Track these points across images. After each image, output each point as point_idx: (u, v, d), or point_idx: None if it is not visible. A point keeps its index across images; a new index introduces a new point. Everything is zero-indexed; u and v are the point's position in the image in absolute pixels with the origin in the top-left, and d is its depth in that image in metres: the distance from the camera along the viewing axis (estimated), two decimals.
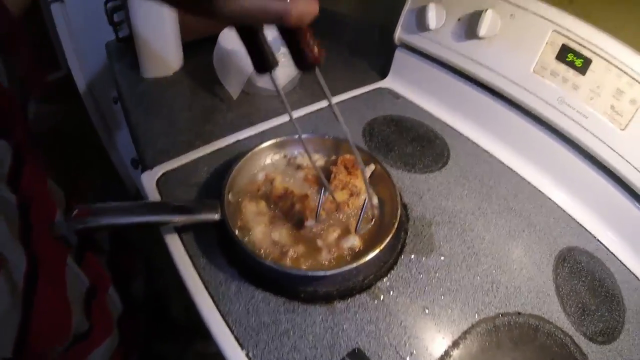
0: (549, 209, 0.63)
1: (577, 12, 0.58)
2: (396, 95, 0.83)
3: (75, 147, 1.34)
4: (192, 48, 0.86)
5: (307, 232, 0.51)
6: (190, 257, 0.50)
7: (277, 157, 0.61)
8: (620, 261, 0.58)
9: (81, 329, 0.44)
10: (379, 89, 0.85)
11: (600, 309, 0.51)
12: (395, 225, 0.49)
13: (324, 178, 0.49)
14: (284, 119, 0.73)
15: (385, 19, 0.85)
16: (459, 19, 0.70)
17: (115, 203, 0.47)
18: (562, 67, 0.59)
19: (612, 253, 0.59)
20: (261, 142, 0.59)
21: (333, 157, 0.61)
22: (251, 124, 0.71)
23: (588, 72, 0.57)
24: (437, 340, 0.45)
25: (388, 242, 0.48)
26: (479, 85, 0.72)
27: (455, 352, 0.44)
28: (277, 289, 0.47)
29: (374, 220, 0.53)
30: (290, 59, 0.36)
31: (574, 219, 0.62)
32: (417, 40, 0.77)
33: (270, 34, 0.38)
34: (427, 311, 0.47)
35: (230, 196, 0.53)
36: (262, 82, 0.77)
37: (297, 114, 0.75)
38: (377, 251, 0.46)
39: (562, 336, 0.47)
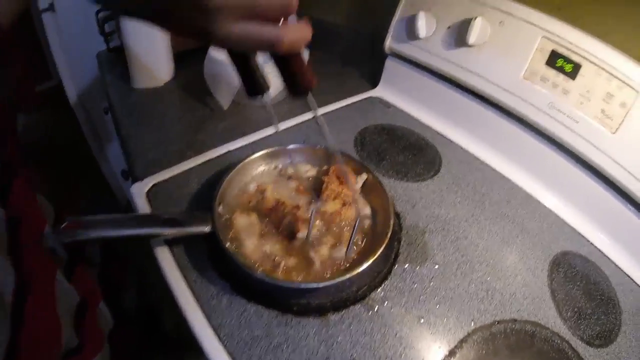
0: (542, 214, 0.63)
1: (566, 17, 0.58)
2: (387, 104, 0.83)
3: (66, 157, 1.32)
4: (183, 58, 0.86)
5: (299, 244, 0.50)
6: (181, 270, 0.49)
7: (268, 167, 0.61)
8: (614, 264, 0.58)
9: (72, 344, 0.43)
10: (370, 98, 0.85)
11: (596, 313, 0.51)
12: (389, 235, 0.49)
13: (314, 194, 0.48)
14: (274, 129, 0.72)
15: (376, 28, 0.86)
16: (448, 27, 0.70)
17: (104, 215, 0.47)
18: (552, 73, 0.60)
19: (606, 256, 0.59)
20: (252, 153, 0.59)
21: (325, 167, 0.61)
22: (242, 134, 0.71)
23: (578, 77, 0.57)
24: (434, 350, 0.45)
25: (381, 252, 0.47)
26: (470, 93, 0.72)
27: None
28: (269, 301, 0.46)
29: (364, 240, 0.53)
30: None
31: (567, 224, 0.62)
32: (408, 49, 0.78)
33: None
34: (422, 321, 0.47)
35: (221, 208, 0.53)
36: None
37: (288, 124, 0.74)
38: (370, 261, 0.46)
39: (559, 341, 0.47)
